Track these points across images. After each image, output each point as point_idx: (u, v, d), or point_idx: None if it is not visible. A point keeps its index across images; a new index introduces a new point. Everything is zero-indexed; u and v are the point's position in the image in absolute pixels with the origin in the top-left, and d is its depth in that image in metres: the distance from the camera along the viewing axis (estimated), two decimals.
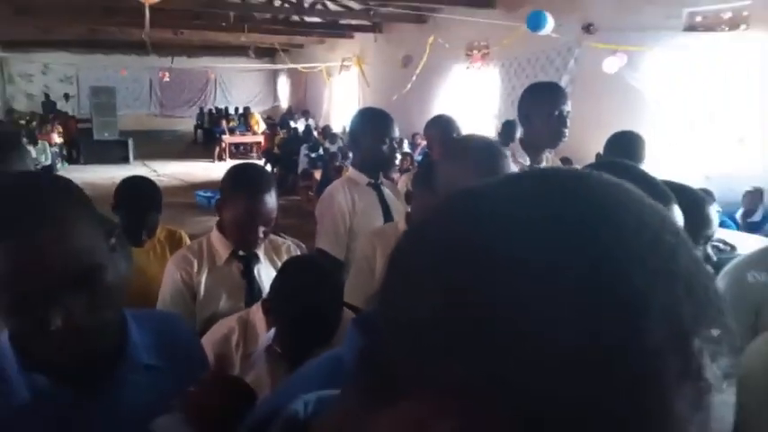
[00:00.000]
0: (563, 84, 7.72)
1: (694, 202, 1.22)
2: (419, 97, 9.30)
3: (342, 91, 14.32)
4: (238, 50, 17.26)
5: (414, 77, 9.34)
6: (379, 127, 2.33)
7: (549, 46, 7.34)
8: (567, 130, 2.27)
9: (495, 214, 0.32)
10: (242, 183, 1.69)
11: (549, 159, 2.49)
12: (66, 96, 17.58)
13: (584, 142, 3.71)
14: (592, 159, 2.74)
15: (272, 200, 1.66)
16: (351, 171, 2.42)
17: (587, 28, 6.98)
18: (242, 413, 0.82)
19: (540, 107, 2.26)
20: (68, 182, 0.84)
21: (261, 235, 1.67)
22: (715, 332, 0.30)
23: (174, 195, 8.35)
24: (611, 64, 5.95)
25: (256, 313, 1.49)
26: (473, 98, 9.42)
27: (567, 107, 2.27)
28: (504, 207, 0.32)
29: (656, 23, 5.92)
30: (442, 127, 2.99)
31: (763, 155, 5.40)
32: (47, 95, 17.14)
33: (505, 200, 0.33)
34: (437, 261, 0.32)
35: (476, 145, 1.37)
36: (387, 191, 2.40)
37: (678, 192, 1.12)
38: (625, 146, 2.47)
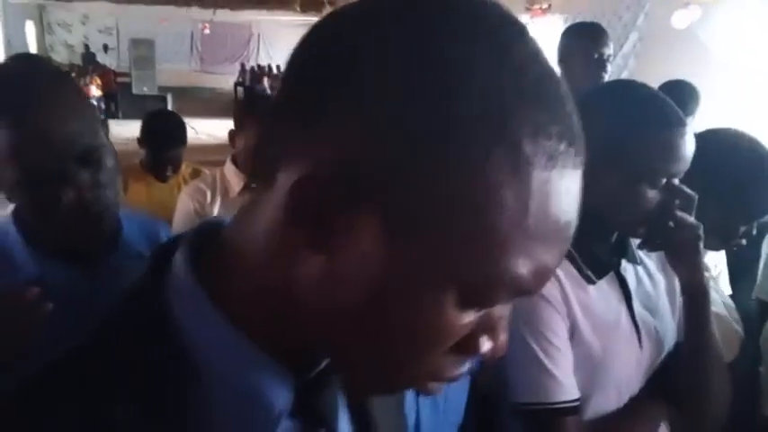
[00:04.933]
0: (631, 43, 7.51)
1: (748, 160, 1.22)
2: None
3: None
4: (283, 3, 17.35)
5: None
6: None
7: None
8: (606, 75, 2.27)
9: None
10: (257, 106, 1.76)
11: None
12: (106, 48, 18.09)
13: None
14: None
15: None
16: None
17: None
18: None
19: (579, 49, 2.27)
20: (67, 74, 0.96)
21: None
22: (543, 117, 0.35)
23: (212, 154, 8.54)
24: (681, 18, 5.75)
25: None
26: None
27: (609, 50, 2.27)
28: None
29: None
30: None
31: None
32: (86, 47, 17.69)
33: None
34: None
35: None
36: None
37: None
38: (672, 95, 2.44)
